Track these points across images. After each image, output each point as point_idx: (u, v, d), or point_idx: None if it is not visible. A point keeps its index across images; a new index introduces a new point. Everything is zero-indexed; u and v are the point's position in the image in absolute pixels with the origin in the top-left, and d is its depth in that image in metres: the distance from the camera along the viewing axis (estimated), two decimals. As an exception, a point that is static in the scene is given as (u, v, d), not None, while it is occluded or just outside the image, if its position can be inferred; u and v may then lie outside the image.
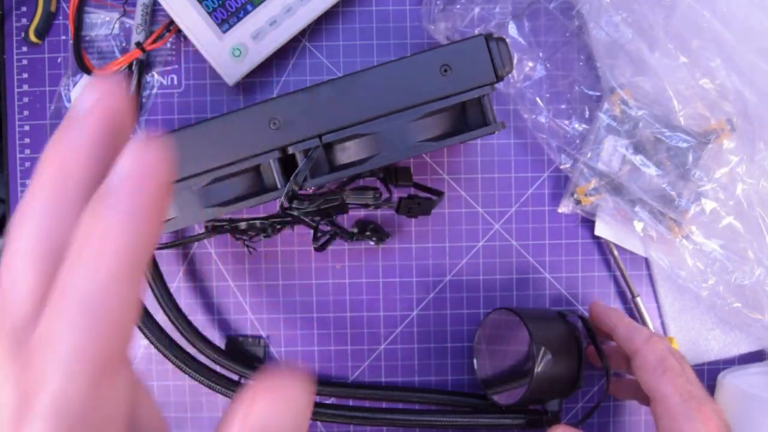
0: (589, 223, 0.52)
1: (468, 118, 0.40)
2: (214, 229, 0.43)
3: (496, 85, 0.40)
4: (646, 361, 0.42)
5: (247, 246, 0.50)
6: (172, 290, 0.52)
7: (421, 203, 0.48)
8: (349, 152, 0.40)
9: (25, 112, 0.52)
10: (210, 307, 0.53)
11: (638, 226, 0.49)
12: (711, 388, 0.52)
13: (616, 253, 0.52)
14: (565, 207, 0.51)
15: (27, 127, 0.52)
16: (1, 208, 0.57)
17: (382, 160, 0.39)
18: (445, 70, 0.38)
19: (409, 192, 0.51)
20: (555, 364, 0.44)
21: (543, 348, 0.44)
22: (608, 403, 0.53)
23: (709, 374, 0.52)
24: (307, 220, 0.41)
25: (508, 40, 0.48)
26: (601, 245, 0.52)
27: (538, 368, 0.44)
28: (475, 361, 0.50)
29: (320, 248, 0.48)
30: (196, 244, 0.52)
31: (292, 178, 0.38)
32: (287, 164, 0.40)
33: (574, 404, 0.53)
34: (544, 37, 0.49)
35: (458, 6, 0.48)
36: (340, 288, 0.53)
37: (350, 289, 0.53)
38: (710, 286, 0.48)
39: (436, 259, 0.53)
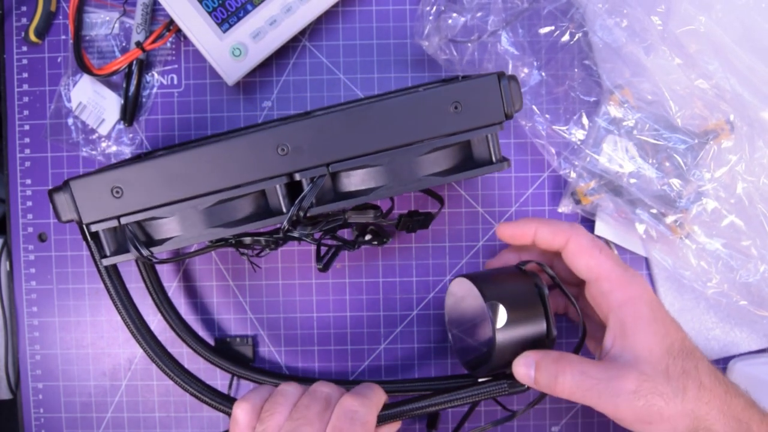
0: (589, 222, 0.52)
1: (474, 153, 0.40)
2: (217, 242, 0.43)
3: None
4: (580, 244, 0.42)
5: (252, 263, 0.50)
6: (171, 290, 0.53)
7: (420, 219, 0.48)
8: (355, 180, 0.40)
9: (25, 112, 0.52)
10: (210, 307, 0.53)
11: (640, 228, 0.49)
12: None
13: (616, 252, 0.52)
14: (565, 207, 0.51)
15: (27, 127, 0.52)
16: (1, 208, 0.57)
17: (388, 191, 0.39)
18: (456, 107, 0.38)
19: (409, 209, 0.51)
20: (517, 318, 0.41)
21: (497, 304, 0.41)
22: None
23: (709, 374, 0.52)
24: (308, 240, 0.42)
25: (502, 48, 0.48)
26: (602, 245, 0.52)
27: (498, 326, 0.41)
28: (449, 337, 0.47)
29: (324, 268, 0.47)
30: (195, 244, 0.52)
31: (297, 203, 0.38)
32: (293, 188, 0.40)
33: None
34: (539, 44, 0.49)
35: (450, 20, 0.48)
36: (340, 288, 0.53)
37: (350, 289, 0.53)
38: (715, 285, 0.48)
39: (436, 259, 0.53)
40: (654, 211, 0.48)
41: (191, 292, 0.53)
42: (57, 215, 0.39)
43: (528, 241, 0.44)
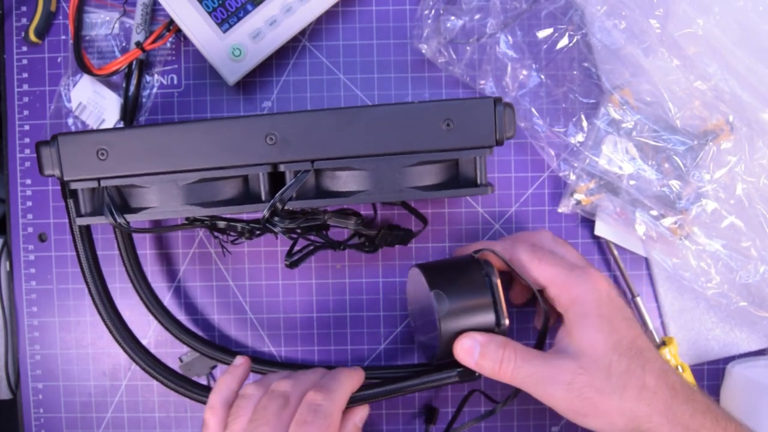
0: (589, 222, 0.52)
1: (460, 173, 0.41)
2: (194, 222, 0.43)
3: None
4: (520, 261, 0.43)
5: (223, 246, 0.50)
6: (171, 289, 0.53)
7: (399, 235, 0.49)
8: (338, 182, 0.40)
9: (25, 112, 0.52)
10: (210, 306, 0.53)
11: (640, 229, 0.49)
12: (712, 387, 0.52)
13: (616, 252, 0.52)
14: (565, 207, 0.51)
15: (27, 127, 0.52)
16: (1, 208, 0.57)
17: (369, 197, 0.39)
18: (448, 125, 0.39)
19: (390, 223, 0.51)
20: (463, 307, 0.42)
21: (440, 293, 0.41)
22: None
23: (709, 374, 0.52)
24: (285, 235, 0.42)
25: (501, 51, 0.48)
26: (601, 245, 0.52)
27: (442, 315, 0.41)
28: (412, 326, 0.49)
29: (291, 265, 0.46)
30: (195, 243, 0.52)
31: (278, 195, 0.39)
32: (276, 179, 0.40)
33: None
34: (538, 46, 0.49)
35: (449, 23, 0.48)
36: (340, 288, 0.53)
37: (350, 289, 0.53)
38: (715, 286, 0.48)
39: (436, 259, 0.53)
40: (654, 212, 0.48)
41: (191, 292, 0.53)
42: (40, 168, 0.39)
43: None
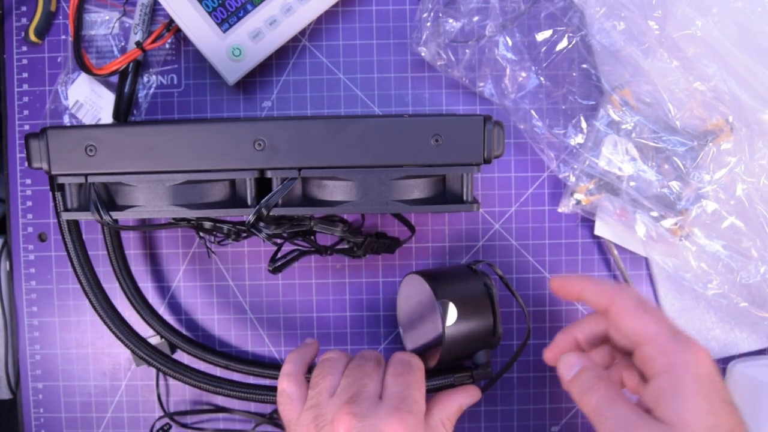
0: (589, 222, 0.52)
1: (446, 188, 0.41)
2: (180, 221, 0.43)
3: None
4: (624, 305, 0.40)
5: (208, 248, 0.50)
6: (171, 289, 0.53)
7: (386, 243, 0.49)
8: (324, 191, 0.40)
9: (25, 112, 0.52)
10: (210, 306, 0.53)
11: (640, 230, 0.49)
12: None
13: (616, 252, 0.52)
14: (565, 206, 0.51)
15: (27, 127, 0.52)
16: (1, 208, 0.57)
17: (355, 208, 0.40)
18: (437, 140, 0.39)
19: (377, 230, 0.51)
20: (467, 315, 0.44)
21: (448, 302, 0.43)
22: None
23: (708, 374, 0.52)
24: (269, 241, 0.42)
25: (500, 52, 0.48)
26: (601, 245, 0.52)
27: (448, 323, 0.43)
28: (401, 332, 0.50)
29: (275, 270, 0.46)
30: (195, 243, 0.52)
31: (263, 201, 0.39)
32: (263, 184, 0.40)
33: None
34: (537, 48, 0.49)
35: (447, 25, 0.48)
36: (340, 288, 0.53)
37: (350, 289, 0.53)
38: (715, 287, 0.48)
39: (436, 259, 0.53)
40: (654, 213, 0.48)
41: (191, 292, 0.53)
42: (28, 161, 0.39)
43: (574, 298, 0.44)
